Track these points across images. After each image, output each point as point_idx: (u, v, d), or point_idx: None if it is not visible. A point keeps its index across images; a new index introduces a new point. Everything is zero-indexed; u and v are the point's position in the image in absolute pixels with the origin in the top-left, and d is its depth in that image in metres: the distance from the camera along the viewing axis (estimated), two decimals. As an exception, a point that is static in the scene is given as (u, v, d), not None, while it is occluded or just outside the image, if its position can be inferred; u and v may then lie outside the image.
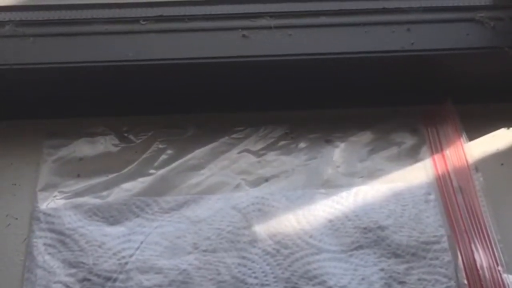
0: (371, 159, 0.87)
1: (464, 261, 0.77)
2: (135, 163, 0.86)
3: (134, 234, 0.79)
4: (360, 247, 0.78)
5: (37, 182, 0.84)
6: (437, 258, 0.77)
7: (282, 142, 0.88)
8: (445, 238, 0.79)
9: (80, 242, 0.79)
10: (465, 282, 0.75)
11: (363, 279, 0.76)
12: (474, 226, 0.79)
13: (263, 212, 0.81)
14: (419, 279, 0.76)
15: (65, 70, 0.86)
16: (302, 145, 0.88)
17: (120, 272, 0.76)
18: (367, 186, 0.84)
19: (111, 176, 0.85)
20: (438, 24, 0.90)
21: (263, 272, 0.76)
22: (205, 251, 0.78)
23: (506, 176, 0.85)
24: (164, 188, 0.84)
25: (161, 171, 0.85)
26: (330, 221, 0.81)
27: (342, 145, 0.88)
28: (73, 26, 0.90)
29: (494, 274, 0.75)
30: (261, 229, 0.80)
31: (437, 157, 0.86)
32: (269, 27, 0.90)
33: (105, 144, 0.88)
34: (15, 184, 0.84)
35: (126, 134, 0.89)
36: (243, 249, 0.78)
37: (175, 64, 0.87)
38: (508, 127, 0.90)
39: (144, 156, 0.87)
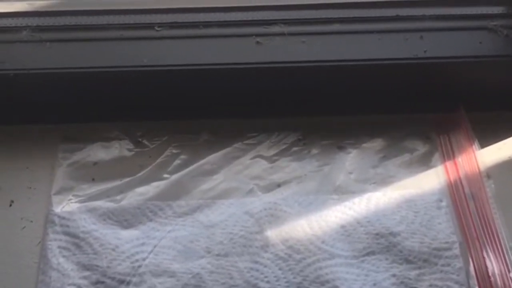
0: (383, 165, 0.87)
1: (476, 267, 0.77)
2: (149, 167, 0.87)
3: (147, 238, 0.80)
4: (372, 252, 0.79)
5: (52, 185, 0.85)
6: (448, 265, 0.77)
7: (294, 148, 0.89)
8: (456, 245, 0.79)
9: (94, 245, 0.79)
10: (477, 288, 0.76)
11: (374, 284, 0.76)
12: (486, 233, 0.79)
13: (276, 217, 0.82)
14: (430, 285, 0.76)
15: (80, 75, 0.87)
16: (314, 151, 0.89)
17: (134, 275, 0.77)
18: (379, 192, 0.84)
19: (125, 180, 0.85)
20: (451, 32, 0.90)
21: (275, 276, 0.77)
22: (217, 255, 0.79)
23: (518, 183, 0.85)
24: (178, 193, 0.84)
25: (175, 176, 0.86)
26: (342, 226, 0.81)
27: (355, 151, 0.88)
28: (89, 31, 0.91)
29: (506, 281, 0.75)
30: (274, 234, 0.80)
31: (449, 164, 0.87)
32: (283, 34, 0.90)
33: (119, 149, 0.89)
34: (30, 188, 0.85)
35: (140, 139, 0.90)
36: (256, 254, 0.79)
37: (189, 70, 0.88)
38: (520, 134, 0.90)
39: (158, 161, 0.87)
